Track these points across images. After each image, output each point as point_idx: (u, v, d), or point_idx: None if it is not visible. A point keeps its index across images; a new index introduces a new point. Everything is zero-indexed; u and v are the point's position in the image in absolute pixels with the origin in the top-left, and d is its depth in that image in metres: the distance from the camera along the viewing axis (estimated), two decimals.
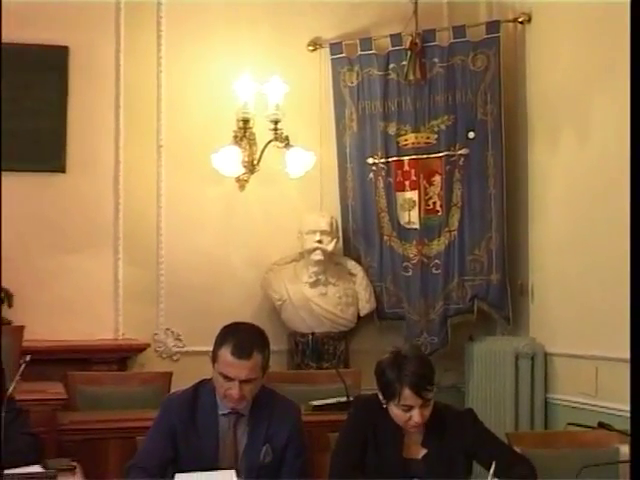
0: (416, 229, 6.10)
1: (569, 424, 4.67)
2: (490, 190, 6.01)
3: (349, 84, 6.23)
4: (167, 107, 6.10)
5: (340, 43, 6.25)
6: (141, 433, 3.48)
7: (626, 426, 3.89)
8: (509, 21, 6.15)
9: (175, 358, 6.06)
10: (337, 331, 6.03)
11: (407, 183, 6.13)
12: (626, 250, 4.24)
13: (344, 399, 4.57)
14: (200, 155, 6.01)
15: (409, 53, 6.05)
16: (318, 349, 5.96)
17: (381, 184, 6.15)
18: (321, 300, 5.98)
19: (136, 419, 4.15)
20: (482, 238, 6.02)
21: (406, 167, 6.13)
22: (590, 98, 5.32)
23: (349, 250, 6.23)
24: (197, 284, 6.05)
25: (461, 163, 6.04)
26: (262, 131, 6.00)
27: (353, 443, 3.34)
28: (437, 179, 6.09)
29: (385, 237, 6.15)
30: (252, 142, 6.04)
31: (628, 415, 4.29)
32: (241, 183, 6.11)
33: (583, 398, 5.25)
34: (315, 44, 6.28)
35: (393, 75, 6.13)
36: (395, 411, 3.27)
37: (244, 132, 6.01)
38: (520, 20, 6.06)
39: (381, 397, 3.32)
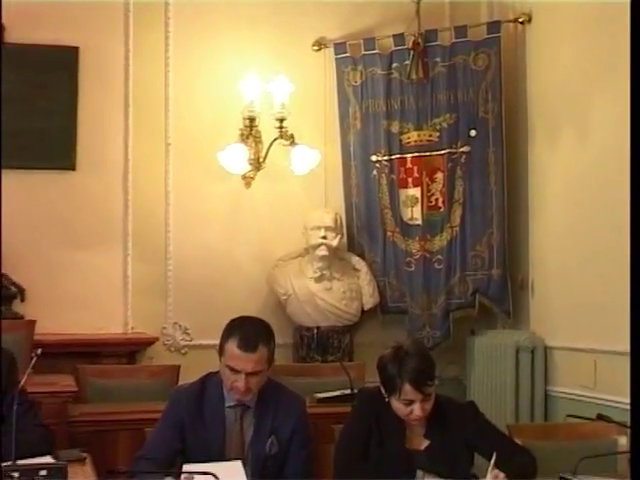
0: (419, 225, 6.10)
1: (568, 416, 4.66)
2: (491, 187, 6.01)
3: (353, 83, 6.22)
4: (175, 106, 6.10)
5: (344, 43, 6.25)
6: (150, 425, 3.49)
7: (624, 418, 3.90)
8: (509, 21, 6.14)
9: (183, 351, 6.06)
10: (341, 325, 6.03)
11: (410, 180, 6.13)
12: (624, 245, 4.24)
13: (348, 392, 4.57)
14: (207, 153, 6.01)
15: (412, 53, 6.05)
16: (323, 343, 5.96)
17: (384, 181, 6.14)
18: (326, 295, 5.99)
19: (145, 411, 4.15)
20: (483, 234, 6.02)
21: (409, 164, 6.12)
22: (589, 97, 5.31)
23: (353, 246, 6.23)
24: (204, 279, 6.06)
25: (463, 160, 6.03)
26: (268, 129, 6.00)
27: (357, 435, 3.35)
28: (439, 176, 6.09)
29: (388, 233, 6.15)
30: (258, 140, 6.04)
31: (626, 407, 4.30)
32: (247, 180, 6.11)
33: (582, 390, 5.25)
34: (320, 44, 6.28)
35: (396, 74, 6.12)
36: (396, 405, 3.28)
37: (250, 130, 6.01)
38: (520, 20, 6.04)
39: (383, 391, 3.32)
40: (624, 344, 4.27)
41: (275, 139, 5.99)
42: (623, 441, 3.79)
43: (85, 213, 5.80)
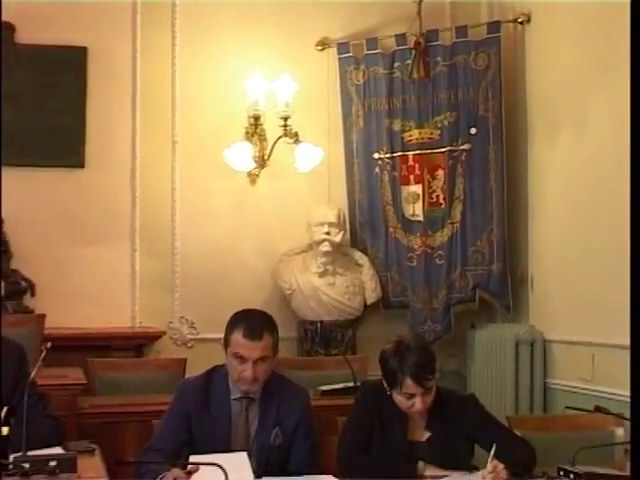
0: (420, 221, 6.10)
1: (567, 408, 4.66)
2: (491, 184, 6.01)
3: (356, 82, 6.22)
4: (181, 105, 6.10)
5: (347, 43, 6.24)
6: (157, 416, 3.49)
7: (621, 410, 3.90)
8: (509, 21, 6.13)
9: (189, 345, 6.07)
10: (344, 319, 6.03)
11: (411, 177, 6.13)
12: (621, 240, 4.25)
13: (351, 384, 4.57)
14: (213, 151, 6.02)
15: (413, 52, 6.04)
16: (326, 336, 5.96)
17: (386, 178, 6.14)
18: (329, 289, 5.99)
19: (152, 403, 4.16)
20: (483, 230, 6.02)
21: (410, 162, 6.12)
22: (587, 96, 5.30)
23: (356, 241, 6.23)
24: (210, 274, 6.06)
25: (463, 158, 6.03)
26: (272, 127, 6.00)
27: (360, 426, 3.36)
28: (440, 173, 6.09)
29: (390, 229, 6.15)
30: (262, 138, 6.04)
31: (623, 399, 4.32)
32: (252, 177, 6.12)
33: (580, 383, 5.25)
34: (323, 44, 6.28)
35: (398, 73, 6.12)
36: (398, 398, 3.28)
37: (255, 128, 6.01)
38: (520, 20, 6.03)
39: (385, 384, 3.32)
40: (621, 338, 4.29)
41: (279, 137, 5.99)
42: (620, 432, 3.79)
43: (94, 210, 5.81)
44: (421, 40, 6.02)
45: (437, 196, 6.10)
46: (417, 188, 6.11)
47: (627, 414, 3.37)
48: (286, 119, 5.94)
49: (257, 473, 3.10)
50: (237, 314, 3.40)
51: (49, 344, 3.15)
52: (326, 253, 5.92)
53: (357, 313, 6.09)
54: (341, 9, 6.29)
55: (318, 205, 6.07)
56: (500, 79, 6.00)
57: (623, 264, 3.98)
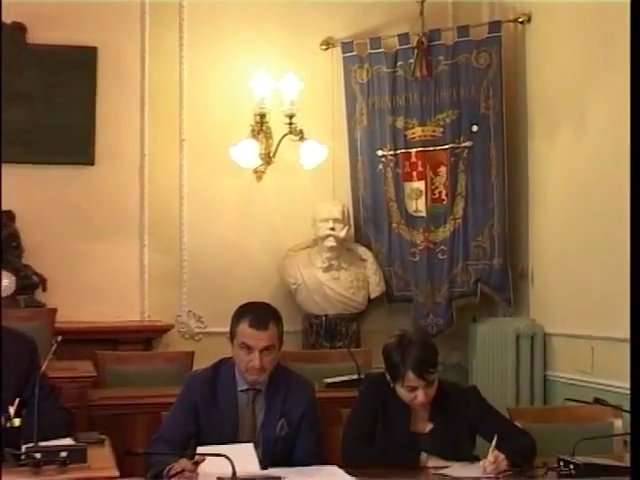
0: (423, 217, 6.09)
1: (566, 399, 4.65)
2: (492, 180, 6.00)
3: (360, 81, 6.21)
4: (189, 103, 6.10)
5: (351, 42, 6.23)
6: (166, 408, 3.49)
7: (620, 402, 3.90)
8: (510, 21, 6.12)
9: (197, 338, 6.07)
10: (349, 313, 6.03)
11: (414, 174, 6.12)
12: (620, 236, 4.24)
13: (355, 377, 4.56)
14: (220, 148, 6.01)
15: (416, 51, 6.03)
16: (331, 330, 5.96)
17: (390, 175, 6.14)
18: (334, 284, 5.99)
19: (161, 395, 4.15)
20: (485, 225, 6.01)
21: (413, 159, 6.11)
22: (586, 94, 5.29)
23: (360, 237, 6.23)
24: (217, 269, 6.06)
25: (465, 155, 6.02)
26: (278, 125, 5.99)
27: (363, 418, 3.36)
28: (442, 170, 6.08)
29: (394, 225, 6.14)
30: (268, 136, 6.03)
31: (622, 391, 4.31)
32: (258, 174, 6.11)
33: (580, 375, 5.24)
34: (328, 43, 6.27)
35: (401, 72, 6.11)
36: (401, 391, 3.28)
37: (261, 126, 6.00)
38: (520, 20, 6.02)
39: (388, 377, 3.32)
40: (620, 331, 4.28)
41: (285, 135, 5.99)
42: (619, 424, 3.78)
43: (103, 206, 5.81)
44: (423, 39, 6.01)
45: (439, 192, 6.09)
46: (420, 184, 6.11)
47: (626, 406, 3.38)
48: (291, 117, 5.94)
49: (263, 463, 3.10)
50: (242, 306, 3.41)
51: (60, 337, 3.15)
52: (331, 248, 5.92)
53: (361, 307, 6.09)
54: (345, 9, 6.28)
55: (323, 201, 6.07)
56: (501, 78, 5.99)
57: (622, 258, 3.98)
